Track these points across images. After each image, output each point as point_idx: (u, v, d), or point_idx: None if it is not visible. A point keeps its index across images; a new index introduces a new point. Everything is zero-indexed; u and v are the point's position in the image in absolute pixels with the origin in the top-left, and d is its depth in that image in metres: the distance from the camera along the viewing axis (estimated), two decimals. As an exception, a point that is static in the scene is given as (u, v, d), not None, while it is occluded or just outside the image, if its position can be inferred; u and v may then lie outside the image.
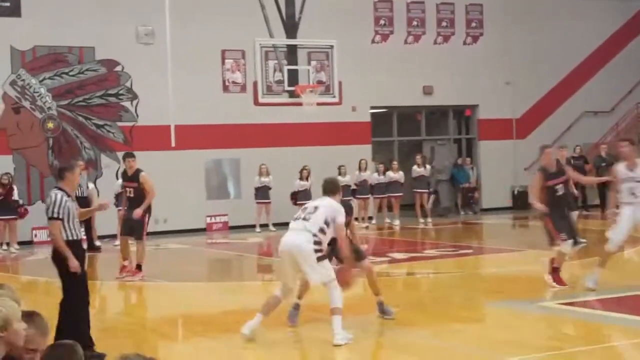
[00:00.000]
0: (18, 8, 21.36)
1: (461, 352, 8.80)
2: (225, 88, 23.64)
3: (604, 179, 16.43)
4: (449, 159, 27.00)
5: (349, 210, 9.87)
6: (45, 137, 21.76)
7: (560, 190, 12.09)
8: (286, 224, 9.81)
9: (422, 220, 23.85)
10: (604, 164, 22.87)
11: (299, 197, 22.19)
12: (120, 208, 14.92)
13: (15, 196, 19.98)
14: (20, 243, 20.13)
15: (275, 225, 22.02)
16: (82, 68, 22.10)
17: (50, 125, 21.81)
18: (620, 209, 11.63)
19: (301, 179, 22.57)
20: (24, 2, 21.40)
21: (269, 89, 21.48)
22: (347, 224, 9.65)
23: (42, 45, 21.64)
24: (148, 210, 14.47)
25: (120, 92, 22.52)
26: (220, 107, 23.16)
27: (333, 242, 9.52)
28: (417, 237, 21.80)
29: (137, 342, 9.92)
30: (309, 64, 22.46)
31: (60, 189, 8.92)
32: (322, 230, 9.08)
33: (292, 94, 20.46)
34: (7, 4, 21.29)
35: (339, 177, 23.27)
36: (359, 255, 10.08)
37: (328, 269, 9.15)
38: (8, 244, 19.98)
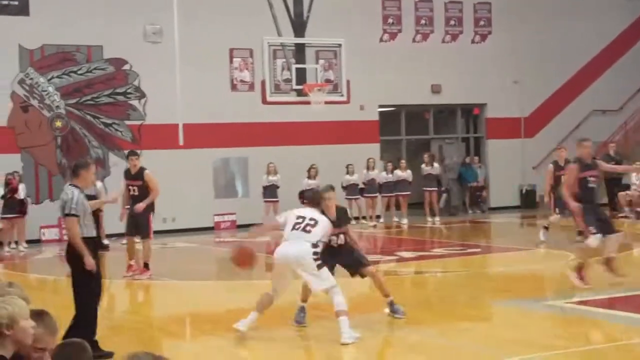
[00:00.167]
0: (26, 7, 21.41)
1: (468, 351, 8.79)
2: (234, 87, 23.66)
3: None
4: (457, 158, 26.98)
5: (345, 217, 10.00)
6: (54, 135, 21.81)
7: (593, 183, 12.01)
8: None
9: (429, 218, 23.84)
10: (612, 163, 22.77)
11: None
12: (128, 207, 14.93)
13: (21, 195, 20.00)
14: (28, 241, 20.18)
15: (283, 224, 22.00)
16: (90, 67, 22.15)
17: (59, 123, 21.86)
18: None
19: (309, 177, 22.57)
20: (32, 1, 21.45)
21: (277, 88, 21.51)
22: (344, 232, 9.87)
23: (50, 44, 21.69)
24: (152, 208, 14.47)
25: (128, 90, 22.56)
26: (228, 106, 23.17)
27: (333, 250, 9.66)
28: (425, 236, 21.78)
29: (144, 340, 9.94)
30: (317, 62, 22.45)
31: (75, 186, 8.92)
32: (319, 242, 9.24)
33: (300, 93, 20.48)
34: (16, 3, 21.35)
35: (347, 176, 23.41)
36: (362, 262, 10.12)
37: (328, 275, 9.23)
38: (16, 243, 20.03)
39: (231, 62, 23.58)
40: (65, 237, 9.82)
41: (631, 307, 10.69)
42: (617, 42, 28.30)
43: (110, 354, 8.60)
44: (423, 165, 24.03)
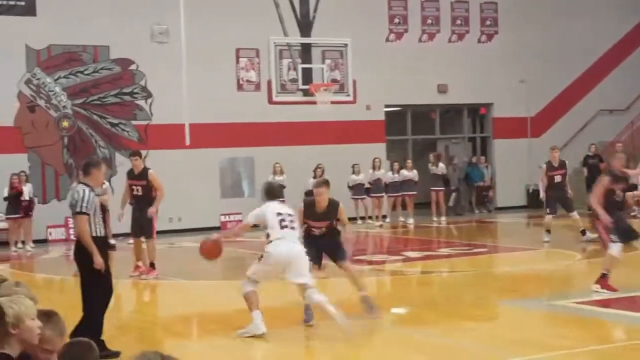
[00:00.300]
0: (33, 7, 21.48)
1: (473, 351, 8.78)
2: (240, 87, 23.69)
3: None
4: (465, 157, 26.98)
5: (334, 211, 10.15)
6: (60, 135, 21.87)
7: (620, 195, 11.85)
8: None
9: (435, 218, 23.85)
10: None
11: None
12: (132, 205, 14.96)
13: (26, 196, 20.04)
14: (35, 241, 20.24)
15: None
16: (96, 67, 22.20)
17: (65, 123, 21.92)
18: None
19: (315, 177, 22.52)
20: (39, 1, 21.52)
21: (283, 88, 21.52)
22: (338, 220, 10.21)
23: (57, 44, 21.75)
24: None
25: (135, 90, 22.61)
26: (235, 106, 23.20)
27: (315, 237, 9.98)
28: (432, 236, 21.77)
29: (151, 340, 9.96)
30: (323, 62, 22.43)
31: (86, 184, 8.94)
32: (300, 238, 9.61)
33: (306, 93, 20.47)
34: (23, 3, 21.41)
35: (353, 176, 23.41)
36: (341, 256, 10.22)
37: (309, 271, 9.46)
38: (23, 242, 20.09)
39: (237, 62, 23.62)
40: (73, 237, 9.85)
41: (638, 307, 10.67)
42: (623, 41, 28.26)
43: (117, 354, 8.62)
44: (429, 165, 24.07)
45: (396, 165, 23.93)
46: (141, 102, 22.68)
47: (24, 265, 18.10)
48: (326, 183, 10.38)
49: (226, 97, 23.14)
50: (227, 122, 23.19)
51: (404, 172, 23.76)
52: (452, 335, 9.47)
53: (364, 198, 23.61)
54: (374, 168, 23.61)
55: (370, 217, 23.64)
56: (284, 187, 22.56)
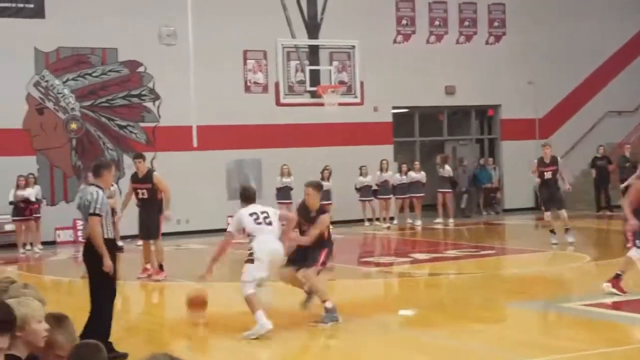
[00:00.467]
0: (42, 9, 21.52)
1: (480, 353, 8.77)
2: (247, 88, 23.70)
3: None
4: (474, 159, 26.98)
5: (319, 215, 10.29)
6: (69, 137, 21.91)
7: None
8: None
9: (440, 220, 23.81)
10: (628, 164, 22.73)
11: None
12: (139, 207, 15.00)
13: (32, 197, 20.07)
14: (43, 243, 20.28)
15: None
16: (105, 69, 22.24)
17: (74, 126, 21.96)
18: None
19: (322, 179, 22.54)
20: (48, 4, 21.56)
21: (290, 90, 21.52)
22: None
23: (66, 47, 21.80)
24: (161, 210, 14.49)
25: (143, 92, 22.64)
26: (242, 108, 23.21)
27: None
28: (439, 238, 21.75)
29: (159, 341, 9.97)
30: (331, 64, 22.45)
31: (97, 186, 8.96)
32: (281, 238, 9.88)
33: (313, 95, 20.47)
34: (31, 6, 21.45)
35: (360, 178, 23.39)
36: (307, 263, 10.28)
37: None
38: (31, 244, 20.13)
39: (245, 64, 23.63)
40: (81, 239, 9.88)
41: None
42: (631, 43, 28.19)
43: (125, 355, 8.64)
44: (437, 167, 24.10)
45: (404, 167, 23.91)
46: (149, 104, 22.71)
47: (32, 267, 18.14)
48: (315, 185, 10.54)
49: (234, 99, 23.16)
50: (234, 124, 23.21)
51: (412, 173, 23.73)
52: (459, 337, 9.46)
53: (371, 200, 23.59)
54: (381, 170, 23.60)
55: (377, 219, 23.62)
56: (291, 188, 22.67)
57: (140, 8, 22.27)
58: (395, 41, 25.34)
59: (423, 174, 23.82)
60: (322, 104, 20.31)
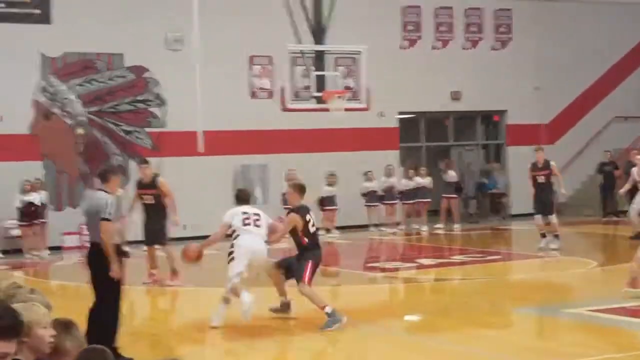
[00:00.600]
0: (48, 15, 21.57)
1: (486, 358, 8.76)
2: (253, 94, 23.73)
3: None
4: (482, 165, 26.98)
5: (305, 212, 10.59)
6: (75, 143, 21.93)
7: None
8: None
9: (443, 225, 23.76)
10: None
11: (326, 202, 22.24)
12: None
13: (37, 202, 20.09)
14: (49, 248, 20.31)
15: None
16: (111, 74, 22.28)
17: (80, 131, 21.99)
18: None
19: (328, 184, 22.58)
20: (54, 9, 21.61)
21: (296, 95, 21.52)
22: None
23: (72, 52, 21.84)
24: (166, 215, 14.49)
25: (149, 98, 22.67)
26: (248, 113, 23.23)
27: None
28: (445, 243, 21.72)
29: (164, 347, 9.97)
30: (337, 69, 22.45)
31: (105, 191, 8.98)
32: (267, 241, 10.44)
33: (319, 100, 20.44)
34: (38, 11, 21.51)
35: (366, 183, 23.38)
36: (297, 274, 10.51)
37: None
38: (38, 249, 20.14)
39: (251, 69, 23.66)
40: (87, 244, 9.88)
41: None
42: (638, 48, 28.15)
43: (130, 360, 8.64)
44: (442, 172, 24.14)
45: (410, 173, 23.90)
46: (155, 110, 22.73)
47: (38, 272, 18.17)
48: (293, 185, 11.20)
49: (240, 104, 23.17)
50: (240, 129, 23.22)
51: (418, 179, 23.72)
52: (465, 342, 9.45)
53: (377, 205, 23.57)
54: (387, 175, 23.59)
55: (383, 225, 23.59)
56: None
57: (147, 13, 22.31)
58: (401, 46, 25.35)
59: (430, 179, 23.80)
60: (327, 110, 20.29)
